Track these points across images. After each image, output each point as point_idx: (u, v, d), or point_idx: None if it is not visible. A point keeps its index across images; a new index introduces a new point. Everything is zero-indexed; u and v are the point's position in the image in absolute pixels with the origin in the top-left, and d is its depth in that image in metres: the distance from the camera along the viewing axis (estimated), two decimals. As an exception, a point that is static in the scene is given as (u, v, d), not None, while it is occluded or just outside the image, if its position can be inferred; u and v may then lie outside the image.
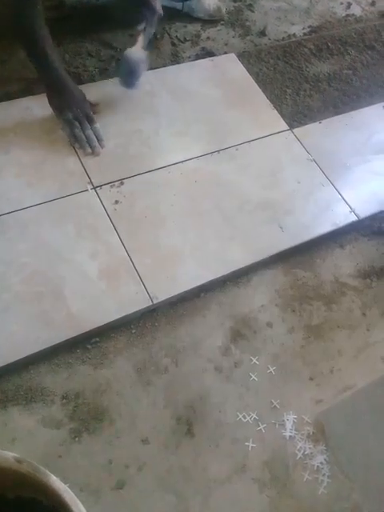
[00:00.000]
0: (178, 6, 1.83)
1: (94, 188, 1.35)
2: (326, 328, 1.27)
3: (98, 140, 1.42)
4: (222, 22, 1.89)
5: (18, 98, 1.49)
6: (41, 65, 1.36)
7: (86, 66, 1.63)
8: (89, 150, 1.41)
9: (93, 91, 1.52)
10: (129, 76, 1.47)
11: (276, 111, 1.63)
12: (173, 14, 1.83)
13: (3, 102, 1.47)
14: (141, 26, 1.46)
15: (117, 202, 1.34)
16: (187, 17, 1.85)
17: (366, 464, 1.08)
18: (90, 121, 1.42)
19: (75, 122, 1.40)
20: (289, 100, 1.68)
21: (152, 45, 1.50)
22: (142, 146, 1.46)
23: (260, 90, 1.67)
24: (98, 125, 1.43)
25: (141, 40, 1.45)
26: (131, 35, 1.75)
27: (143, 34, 1.46)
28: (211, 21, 1.87)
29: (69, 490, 0.67)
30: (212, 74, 1.68)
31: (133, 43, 1.45)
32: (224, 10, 1.90)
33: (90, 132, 1.41)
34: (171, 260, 1.27)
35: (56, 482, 0.67)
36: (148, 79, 1.57)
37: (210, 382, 1.15)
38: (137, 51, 1.44)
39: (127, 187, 1.37)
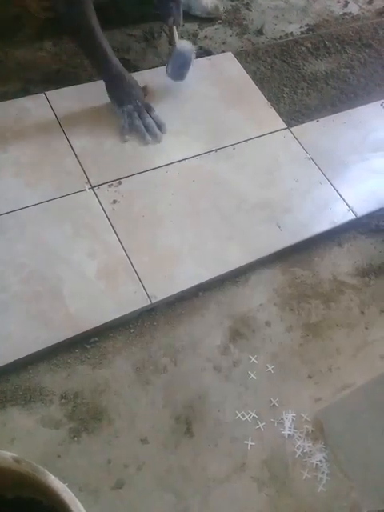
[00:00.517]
0: None
1: (92, 188, 1.35)
2: (325, 326, 1.27)
3: (158, 126, 1.47)
4: (219, 21, 1.88)
5: (15, 98, 1.49)
6: (98, 58, 1.40)
7: (84, 65, 1.63)
8: (148, 139, 1.45)
9: (91, 90, 1.52)
10: (183, 68, 1.55)
11: (273, 110, 1.63)
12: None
13: (1, 102, 1.47)
14: (170, 21, 1.54)
15: (115, 201, 1.34)
16: (185, 15, 1.85)
17: (365, 462, 1.08)
18: (149, 109, 1.46)
19: (135, 113, 1.44)
20: (286, 98, 1.68)
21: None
22: (139, 145, 1.46)
23: (257, 89, 1.67)
24: (156, 112, 1.48)
25: (175, 32, 1.51)
26: (130, 35, 1.76)
27: (175, 26, 1.53)
28: (209, 19, 1.87)
29: (68, 490, 0.67)
30: (209, 73, 1.68)
31: (171, 38, 1.55)
32: (222, 9, 1.89)
33: (150, 120, 1.45)
34: (169, 259, 1.27)
35: (55, 482, 0.67)
36: (144, 78, 1.57)
37: (208, 382, 1.15)
38: (186, 43, 1.53)
39: (125, 187, 1.37)
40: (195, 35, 1.82)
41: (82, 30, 1.35)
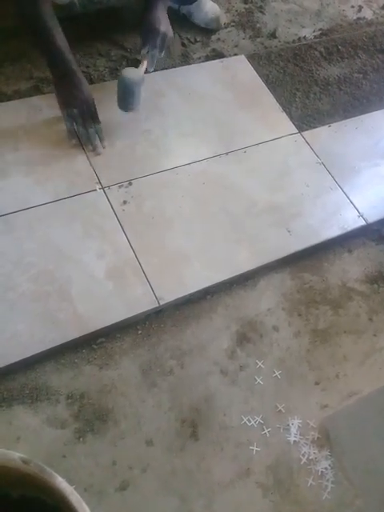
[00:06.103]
0: (176, 6, 1.79)
1: (103, 188, 1.35)
2: (333, 333, 1.26)
3: (100, 140, 1.42)
4: (232, 24, 1.88)
5: (27, 96, 1.49)
6: (48, 54, 1.34)
7: (96, 65, 1.63)
8: (90, 148, 1.41)
9: (103, 91, 1.52)
10: (122, 98, 1.39)
11: (285, 114, 1.62)
12: (184, 15, 1.82)
13: (13, 101, 1.48)
14: (144, 50, 1.42)
15: (125, 202, 1.34)
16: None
17: (370, 470, 1.08)
18: (94, 120, 1.41)
19: (79, 119, 1.38)
20: (298, 103, 1.67)
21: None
22: (150, 146, 1.46)
23: (269, 93, 1.66)
24: (101, 125, 1.41)
25: (145, 63, 1.41)
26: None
27: (148, 58, 1.42)
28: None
29: (75, 492, 0.67)
30: (222, 76, 1.68)
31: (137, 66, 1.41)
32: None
33: (92, 130, 1.40)
34: (178, 262, 1.26)
35: (62, 484, 0.67)
36: (157, 79, 1.58)
37: (215, 385, 1.15)
38: (133, 72, 1.36)
39: (135, 188, 1.37)
40: (208, 37, 1.81)
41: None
